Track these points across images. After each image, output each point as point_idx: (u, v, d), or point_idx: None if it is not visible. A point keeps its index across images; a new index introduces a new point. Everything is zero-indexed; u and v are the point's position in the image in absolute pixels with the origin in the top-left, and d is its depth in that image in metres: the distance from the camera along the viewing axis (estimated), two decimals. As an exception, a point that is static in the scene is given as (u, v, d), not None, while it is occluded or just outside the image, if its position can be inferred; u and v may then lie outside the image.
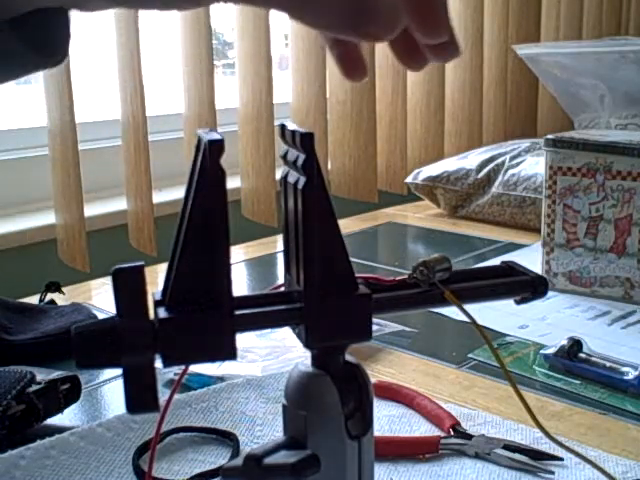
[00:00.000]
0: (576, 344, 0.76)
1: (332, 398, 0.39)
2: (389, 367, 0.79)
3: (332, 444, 0.39)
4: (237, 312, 0.36)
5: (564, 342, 0.77)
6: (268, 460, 0.37)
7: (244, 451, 0.63)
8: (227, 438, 0.65)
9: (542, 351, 0.79)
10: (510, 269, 0.42)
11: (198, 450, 0.64)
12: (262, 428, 0.67)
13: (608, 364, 0.74)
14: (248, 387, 0.72)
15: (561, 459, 0.60)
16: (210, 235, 0.35)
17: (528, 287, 0.41)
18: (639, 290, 0.94)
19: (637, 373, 0.72)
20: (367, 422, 0.40)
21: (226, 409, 0.69)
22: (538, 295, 0.41)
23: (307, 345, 0.38)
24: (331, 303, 0.37)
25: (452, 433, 0.64)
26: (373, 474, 0.41)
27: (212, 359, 0.36)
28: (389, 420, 0.67)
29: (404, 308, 0.41)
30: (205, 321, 0.35)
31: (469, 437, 0.63)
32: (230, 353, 0.36)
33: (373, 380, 0.69)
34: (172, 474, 0.60)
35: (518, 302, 0.42)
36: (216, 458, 0.63)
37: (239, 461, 0.37)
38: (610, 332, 0.88)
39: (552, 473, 0.59)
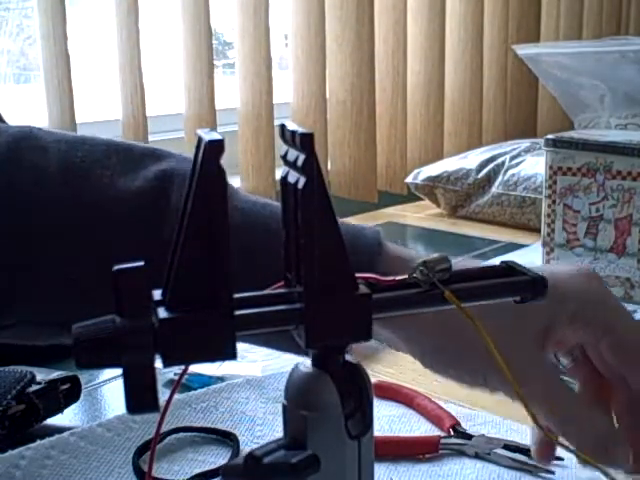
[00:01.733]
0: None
1: (332, 398, 0.39)
2: (389, 367, 0.79)
3: (332, 444, 0.39)
4: (237, 312, 0.36)
5: (564, 342, 0.77)
6: (268, 460, 0.37)
7: (244, 451, 0.63)
8: (227, 438, 0.65)
9: (542, 351, 0.79)
10: (510, 269, 0.42)
11: (198, 450, 0.64)
12: (262, 428, 0.67)
13: (608, 364, 0.74)
14: (248, 387, 0.72)
15: (561, 459, 0.60)
16: (210, 235, 0.35)
17: (528, 287, 0.41)
18: (639, 290, 0.94)
19: (637, 373, 0.72)
20: (367, 422, 0.40)
21: (226, 409, 0.69)
22: (538, 295, 0.41)
23: (307, 345, 0.38)
24: (331, 303, 0.37)
25: (452, 433, 0.64)
26: (373, 474, 0.41)
27: (212, 359, 0.36)
28: (389, 420, 0.67)
29: (404, 308, 0.41)
30: (205, 321, 0.35)
31: (469, 437, 0.63)
32: (230, 353, 0.36)
33: (373, 380, 0.69)
34: (172, 474, 0.60)
35: (518, 302, 0.42)
36: (216, 458, 0.63)
37: (239, 461, 0.37)
38: (610, 332, 0.88)
39: (552, 473, 0.59)
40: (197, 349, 0.35)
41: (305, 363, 0.40)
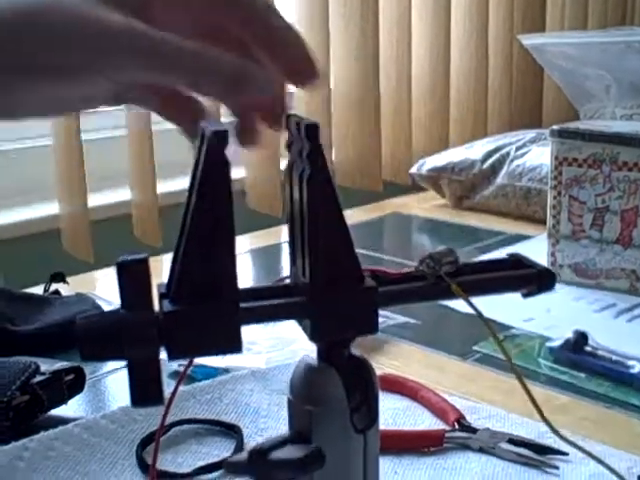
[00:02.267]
0: (581, 337, 0.76)
1: (338, 391, 0.38)
2: (394, 359, 0.79)
3: (337, 438, 0.39)
4: (242, 305, 0.36)
5: (569, 335, 0.76)
6: (273, 455, 0.37)
7: (248, 443, 0.63)
8: (231, 430, 0.65)
9: (547, 344, 0.79)
10: (517, 262, 0.42)
11: (202, 442, 0.64)
12: (266, 420, 0.67)
13: (614, 357, 0.74)
14: (252, 379, 0.72)
15: (566, 454, 0.59)
16: (215, 226, 0.35)
17: (535, 280, 0.41)
18: (645, 282, 0.94)
19: (643, 366, 0.71)
20: (373, 416, 0.40)
21: (230, 401, 0.69)
22: (545, 289, 0.41)
23: (312, 338, 0.37)
24: (337, 296, 0.37)
25: (457, 427, 0.64)
26: (378, 467, 0.41)
27: (217, 352, 0.36)
28: (394, 413, 0.67)
29: (410, 301, 0.41)
30: (210, 314, 0.35)
31: (474, 431, 0.63)
32: (235, 346, 0.35)
33: (378, 373, 0.69)
34: (176, 466, 0.60)
35: (525, 295, 0.42)
36: (220, 450, 0.63)
37: (244, 455, 0.37)
38: (616, 325, 0.87)
39: (557, 468, 0.59)
40: (202, 342, 0.35)
41: (310, 356, 0.40)
